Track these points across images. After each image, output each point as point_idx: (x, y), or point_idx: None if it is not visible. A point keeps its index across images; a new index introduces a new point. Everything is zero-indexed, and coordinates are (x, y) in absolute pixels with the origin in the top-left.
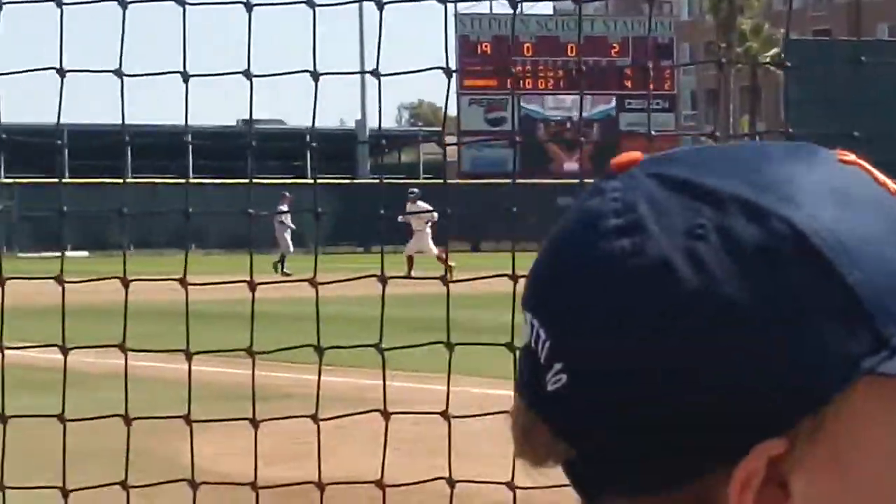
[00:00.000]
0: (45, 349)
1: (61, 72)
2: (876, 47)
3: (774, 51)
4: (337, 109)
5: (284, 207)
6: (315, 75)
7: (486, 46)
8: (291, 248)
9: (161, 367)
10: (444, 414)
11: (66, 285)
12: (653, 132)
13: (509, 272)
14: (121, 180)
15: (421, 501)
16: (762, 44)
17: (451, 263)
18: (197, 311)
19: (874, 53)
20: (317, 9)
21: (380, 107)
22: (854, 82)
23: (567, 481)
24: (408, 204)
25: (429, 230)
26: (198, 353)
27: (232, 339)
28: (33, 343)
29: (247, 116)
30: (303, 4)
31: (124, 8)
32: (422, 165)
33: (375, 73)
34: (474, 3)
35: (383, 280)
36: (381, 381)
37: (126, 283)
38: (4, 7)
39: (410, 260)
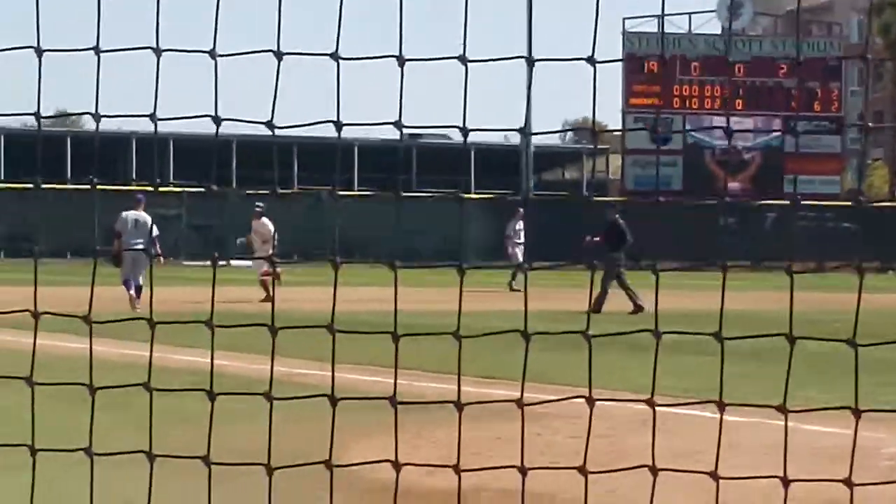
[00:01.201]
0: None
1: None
2: None
3: None
4: (503, 123)
5: (518, 225)
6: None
7: (652, 65)
8: (521, 259)
9: (317, 374)
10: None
11: (228, 292)
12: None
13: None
14: (288, 191)
15: None
16: None
17: (279, 272)
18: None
19: None
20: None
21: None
22: None
23: None
24: (252, 220)
25: (270, 250)
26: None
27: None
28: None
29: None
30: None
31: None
32: (584, 183)
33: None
34: (642, 20)
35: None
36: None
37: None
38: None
39: (265, 283)
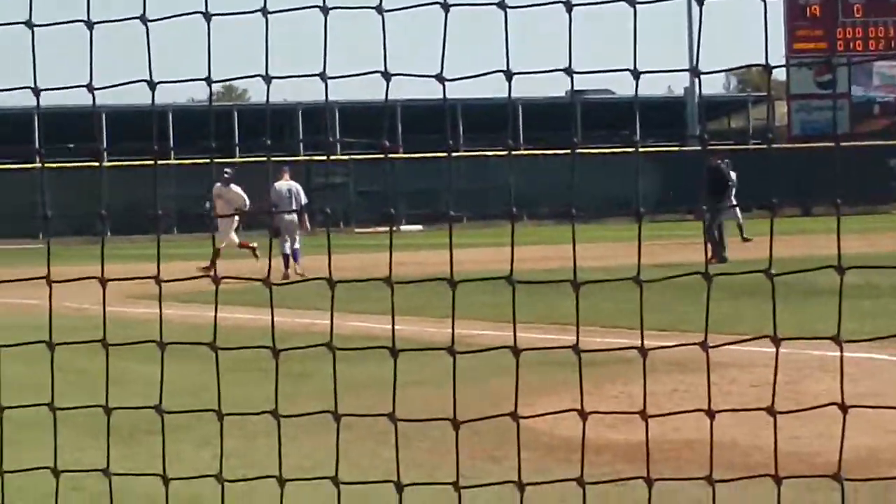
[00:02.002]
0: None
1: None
2: None
3: None
4: (667, 78)
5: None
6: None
7: (814, 9)
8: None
9: (490, 334)
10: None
11: (396, 257)
12: None
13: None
14: (444, 154)
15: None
16: None
17: (252, 245)
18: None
19: None
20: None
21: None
22: None
23: None
24: (218, 186)
25: (236, 219)
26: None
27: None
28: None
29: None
30: None
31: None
32: (751, 130)
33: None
34: None
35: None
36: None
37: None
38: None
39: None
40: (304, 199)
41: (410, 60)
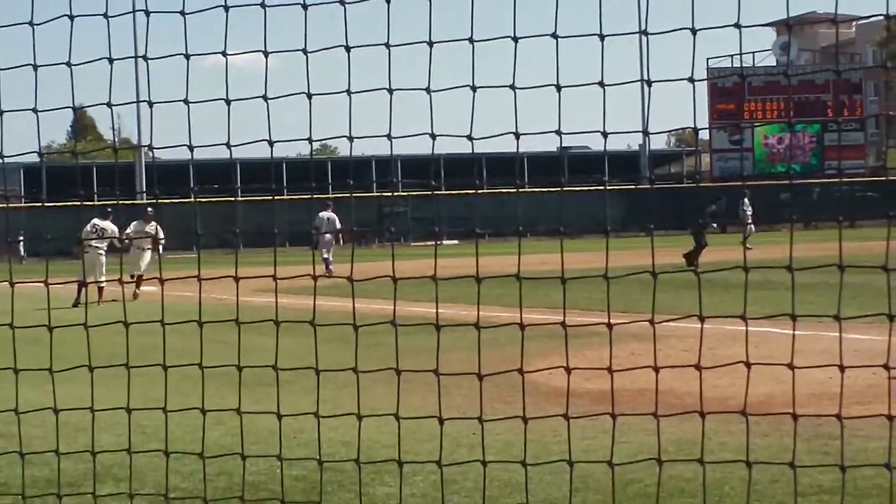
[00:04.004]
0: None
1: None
2: None
3: None
4: (626, 138)
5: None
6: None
7: (729, 89)
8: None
9: (503, 315)
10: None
11: (442, 261)
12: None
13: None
14: (473, 191)
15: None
16: None
17: (139, 277)
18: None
19: None
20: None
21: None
22: None
23: None
24: (137, 222)
25: (148, 252)
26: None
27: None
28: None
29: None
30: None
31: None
32: (685, 173)
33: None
34: (722, 58)
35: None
36: None
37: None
38: None
39: (140, 279)
40: (338, 225)
41: (449, 124)
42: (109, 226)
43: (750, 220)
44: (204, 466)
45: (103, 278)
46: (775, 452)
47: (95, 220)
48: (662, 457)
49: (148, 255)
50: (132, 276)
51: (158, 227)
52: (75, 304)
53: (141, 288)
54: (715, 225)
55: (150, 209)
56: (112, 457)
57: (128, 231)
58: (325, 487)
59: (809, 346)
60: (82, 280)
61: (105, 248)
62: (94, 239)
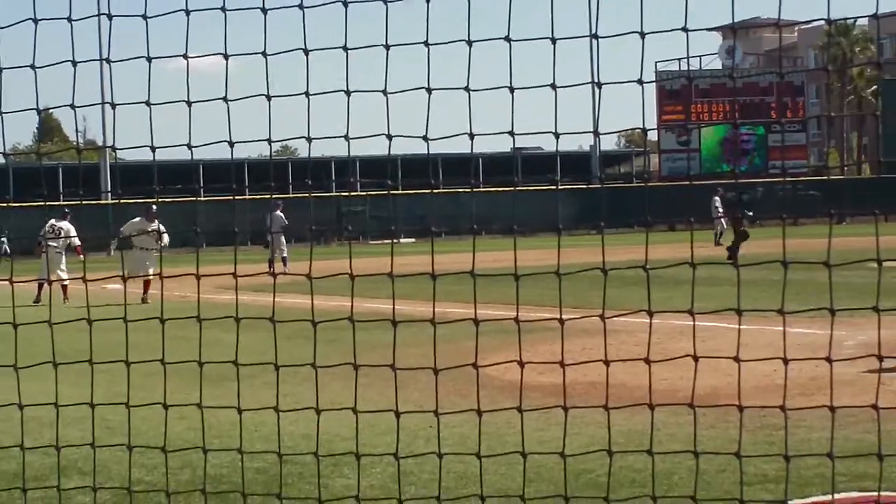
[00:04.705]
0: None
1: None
2: None
3: (873, 87)
4: (577, 138)
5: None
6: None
7: (676, 92)
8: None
9: (459, 311)
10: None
11: (398, 259)
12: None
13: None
14: (429, 191)
15: None
16: (865, 83)
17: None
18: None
19: None
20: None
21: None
22: None
23: None
24: (139, 220)
25: (64, 255)
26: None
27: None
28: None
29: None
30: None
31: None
32: (634, 173)
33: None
34: (668, 62)
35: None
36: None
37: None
38: None
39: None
40: (285, 222)
41: (406, 125)
42: (66, 225)
43: (721, 216)
44: (166, 460)
45: (65, 276)
46: (722, 443)
47: (52, 221)
48: (613, 448)
49: (154, 255)
50: (146, 276)
51: (161, 225)
52: (35, 301)
53: (149, 291)
54: (752, 213)
55: (153, 207)
56: (77, 451)
57: (123, 229)
58: (286, 480)
59: (754, 339)
60: (45, 278)
61: (62, 248)
62: (51, 238)
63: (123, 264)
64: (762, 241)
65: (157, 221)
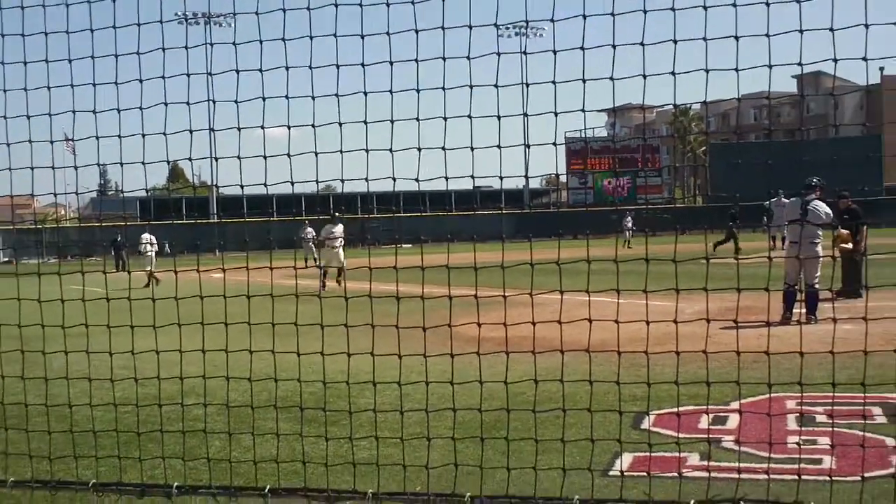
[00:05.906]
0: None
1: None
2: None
3: (703, 148)
4: (515, 180)
5: (628, 220)
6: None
7: (581, 151)
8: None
9: (440, 291)
10: None
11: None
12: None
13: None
14: (419, 214)
15: None
16: (698, 145)
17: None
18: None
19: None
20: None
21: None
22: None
23: None
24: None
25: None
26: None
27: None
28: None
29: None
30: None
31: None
32: (552, 204)
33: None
34: (574, 131)
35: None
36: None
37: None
38: None
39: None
40: (312, 235)
41: (405, 170)
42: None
43: (630, 228)
44: (251, 386)
45: (149, 268)
46: (607, 375)
47: (145, 234)
48: (538, 377)
49: (340, 250)
50: (340, 265)
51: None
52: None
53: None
54: (738, 221)
55: (337, 214)
56: (193, 381)
57: (322, 231)
58: (328, 399)
59: (628, 309)
60: (151, 271)
61: (340, 245)
62: (147, 243)
63: (319, 257)
64: (638, 247)
65: (340, 225)
